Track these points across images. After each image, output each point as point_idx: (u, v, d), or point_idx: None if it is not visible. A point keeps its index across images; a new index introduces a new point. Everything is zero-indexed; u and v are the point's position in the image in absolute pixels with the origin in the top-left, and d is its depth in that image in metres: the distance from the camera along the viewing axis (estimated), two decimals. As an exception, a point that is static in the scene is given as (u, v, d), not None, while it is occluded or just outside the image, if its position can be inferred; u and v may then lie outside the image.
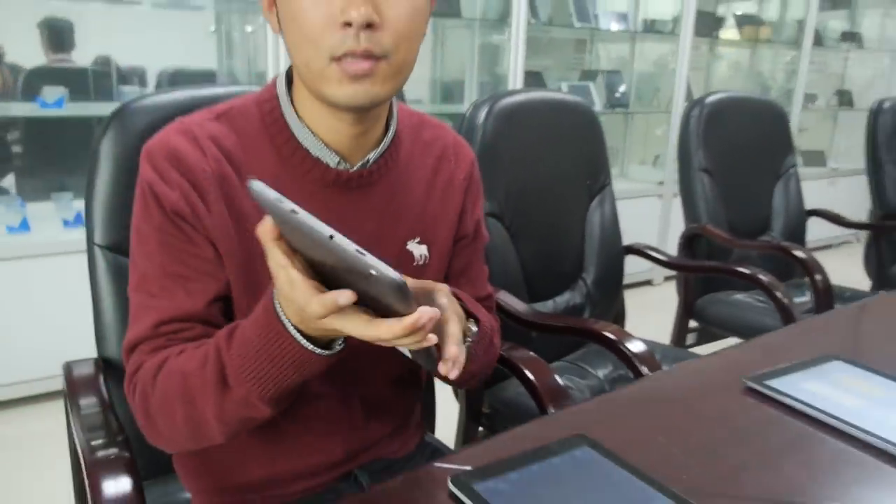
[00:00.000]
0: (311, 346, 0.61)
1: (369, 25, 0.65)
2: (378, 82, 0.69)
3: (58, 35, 2.66)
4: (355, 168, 0.77)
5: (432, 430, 1.20)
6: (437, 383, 1.17)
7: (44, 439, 2.04)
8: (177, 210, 0.71)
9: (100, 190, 0.97)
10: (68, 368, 0.95)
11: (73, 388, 0.91)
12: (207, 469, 0.83)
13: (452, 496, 0.58)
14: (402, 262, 0.82)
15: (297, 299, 0.55)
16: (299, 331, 0.60)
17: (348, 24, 0.65)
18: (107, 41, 2.71)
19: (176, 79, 2.96)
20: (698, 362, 0.93)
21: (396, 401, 0.89)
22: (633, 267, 2.06)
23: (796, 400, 0.74)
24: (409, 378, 0.91)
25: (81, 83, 2.64)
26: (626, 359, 1.14)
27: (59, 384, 2.09)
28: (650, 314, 2.27)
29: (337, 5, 0.65)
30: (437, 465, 0.61)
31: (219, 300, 0.74)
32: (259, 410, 0.66)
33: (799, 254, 1.80)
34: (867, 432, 0.68)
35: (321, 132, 0.75)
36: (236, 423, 0.69)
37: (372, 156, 0.77)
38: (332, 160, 0.75)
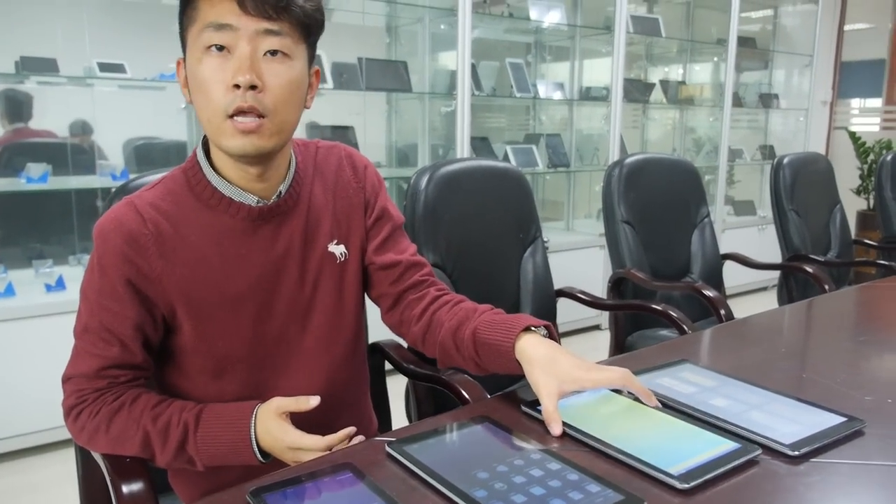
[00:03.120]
0: (261, 459, 0.92)
1: (253, 87, 0.87)
2: (264, 137, 0.90)
3: (16, 106, 2.84)
4: (272, 201, 0.98)
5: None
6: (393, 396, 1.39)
7: (35, 491, 2.16)
8: (123, 275, 0.92)
9: (105, 253, 1.18)
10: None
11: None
12: (196, 478, 1.03)
13: (390, 456, 0.80)
14: (327, 262, 1.04)
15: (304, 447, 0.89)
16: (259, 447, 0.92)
17: (237, 87, 0.87)
18: (82, 116, 2.94)
19: (148, 149, 3.19)
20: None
21: (346, 394, 1.11)
22: (584, 313, 2.30)
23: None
24: (354, 378, 1.14)
25: (59, 157, 2.85)
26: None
27: (46, 438, 2.26)
28: (597, 353, 2.52)
29: (229, 73, 0.87)
30: (377, 438, 0.84)
31: (146, 348, 0.97)
32: (196, 468, 0.94)
33: (707, 292, 2.07)
34: (691, 408, 0.93)
35: (235, 180, 0.96)
36: (176, 467, 0.96)
37: (282, 188, 0.99)
38: (251, 200, 0.97)
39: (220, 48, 0.87)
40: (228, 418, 0.92)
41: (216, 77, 0.88)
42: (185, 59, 0.93)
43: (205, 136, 0.98)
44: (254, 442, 0.91)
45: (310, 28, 0.92)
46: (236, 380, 1.00)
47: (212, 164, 0.98)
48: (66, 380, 0.96)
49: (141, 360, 0.96)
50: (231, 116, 0.88)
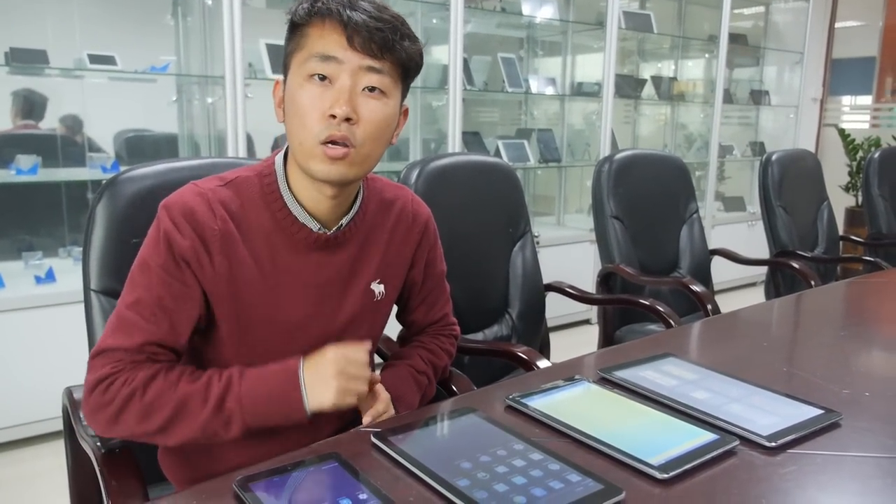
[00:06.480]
0: (307, 405, 0.90)
1: (348, 119, 0.91)
2: (348, 165, 0.93)
3: (30, 104, 2.85)
4: (332, 231, 1.00)
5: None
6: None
7: (26, 482, 2.17)
8: (185, 257, 0.93)
9: (95, 245, 1.17)
10: (69, 392, 1.14)
11: (74, 407, 1.11)
12: (189, 462, 1.04)
13: (375, 447, 0.81)
14: (366, 298, 1.07)
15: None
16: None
17: (333, 117, 0.90)
18: (72, 109, 2.93)
19: (139, 141, 3.18)
20: (575, 360, 1.19)
21: None
22: (574, 307, 2.32)
23: (629, 382, 1.02)
24: None
25: (50, 149, 2.84)
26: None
27: (36, 429, 2.25)
28: (587, 347, 2.54)
29: (327, 103, 0.90)
30: (362, 429, 0.85)
31: (191, 333, 0.97)
32: (231, 433, 0.90)
33: (695, 288, 2.09)
34: (672, 400, 0.95)
35: (304, 201, 0.99)
36: (204, 436, 0.91)
37: (344, 221, 1.01)
38: (314, 226, 0.99)
39: (323, 78, 0.91)
40: (275, 368, 0.92)
41: (315, 104, 0.91)
42: (284, 82, 0.96)
43: (285, 149, 1.01)
44: (303, 389, 0.91)
45: (409, 70, 0.96)
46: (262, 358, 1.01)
47: (286, 176, 1.00)
48: (101, 352, 0.92)
49: (182, 343, 0.96)
50: (323, 143, 0.92)
